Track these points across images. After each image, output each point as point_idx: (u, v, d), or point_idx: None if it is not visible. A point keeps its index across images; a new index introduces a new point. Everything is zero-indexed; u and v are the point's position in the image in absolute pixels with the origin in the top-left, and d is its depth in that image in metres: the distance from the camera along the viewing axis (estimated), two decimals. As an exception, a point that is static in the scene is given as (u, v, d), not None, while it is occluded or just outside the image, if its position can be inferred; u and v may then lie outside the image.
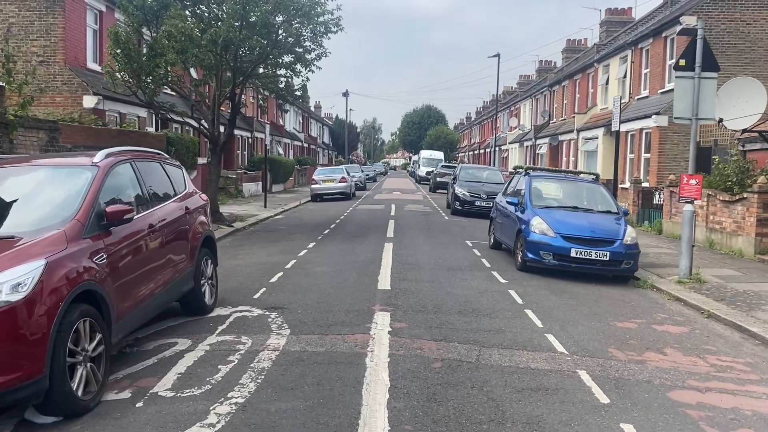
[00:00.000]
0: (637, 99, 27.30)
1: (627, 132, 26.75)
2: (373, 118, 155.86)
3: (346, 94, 69.69)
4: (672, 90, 24.29)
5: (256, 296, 9.01)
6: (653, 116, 23.59)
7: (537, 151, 43.52)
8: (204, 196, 8.64)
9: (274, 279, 10.31)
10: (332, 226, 18.95)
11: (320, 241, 15.38)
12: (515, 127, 51.74)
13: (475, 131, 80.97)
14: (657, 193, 19.83)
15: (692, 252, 11.23)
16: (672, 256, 13.91)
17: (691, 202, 11.18)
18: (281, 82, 18.73)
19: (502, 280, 10.53)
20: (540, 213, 11.61)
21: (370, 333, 7.04)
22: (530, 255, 11.22)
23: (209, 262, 8.19)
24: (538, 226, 11.28)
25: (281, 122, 53.69)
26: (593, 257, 10.87)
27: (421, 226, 19.13)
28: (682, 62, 11.21)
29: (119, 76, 16.25)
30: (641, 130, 25.32)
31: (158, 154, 7.92)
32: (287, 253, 13.32)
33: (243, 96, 19.78)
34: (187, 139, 22.69)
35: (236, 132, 37.96)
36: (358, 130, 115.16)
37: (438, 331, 7.23)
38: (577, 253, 10.88)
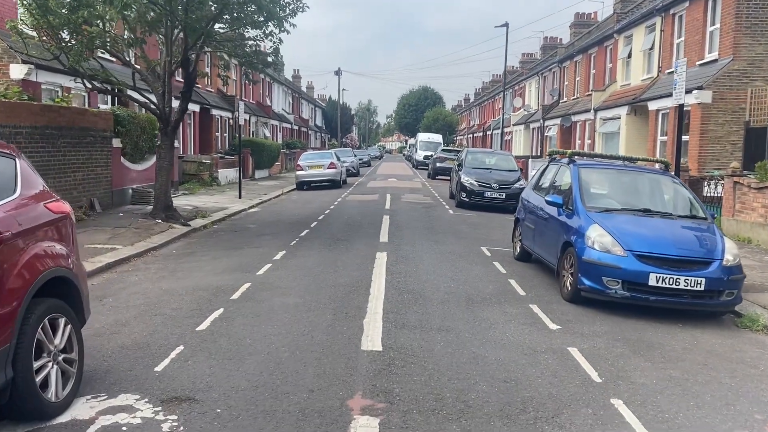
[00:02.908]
0: (668, 73, 23.63)
1: (657, 111, 23.24)
2: (369, 100, 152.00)
3: (338, 73, 65.63)
4: (715, 61, 20.81)
5: (160, 367, 5.47)
6: (694, 91, 19.97)
7: (545, 134, 39.93)
8: (60, 206, 5.03)
9: (206, 324, 6.76)
10: (313, 224, 15.38)
11: (294, 247, 11.83)
12: (520, 108, 48.04)
13: (474, 113, 77.17)
14: (710, 183, 16.30)
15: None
16: (759, 270, 10.42)
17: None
18: (248, 46, 14.99)
19: (552, 325, 6.99)
20: (598, 219, 8.06)
21: (337, 495, 3.52)
22: (587, 282, 7.69)
23: (61, 323, 4.63)
24: (599, 240, 7.74)
25: (268, 102, 49.90)
26: (681, 286, 7.36)
27: (422, 224, 15.58)
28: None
29: (33, 35, 12.58)
30: (676, 108, 21.68)
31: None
32: (244, 269, 9.78)
33: (200, 62, 15.93)
34: (143, 118, 19.02)
35: (216, 112, 34.30)
36: (353, 112, 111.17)
37: (473, 479, 3.71)
38: (658, 281, 7.35)
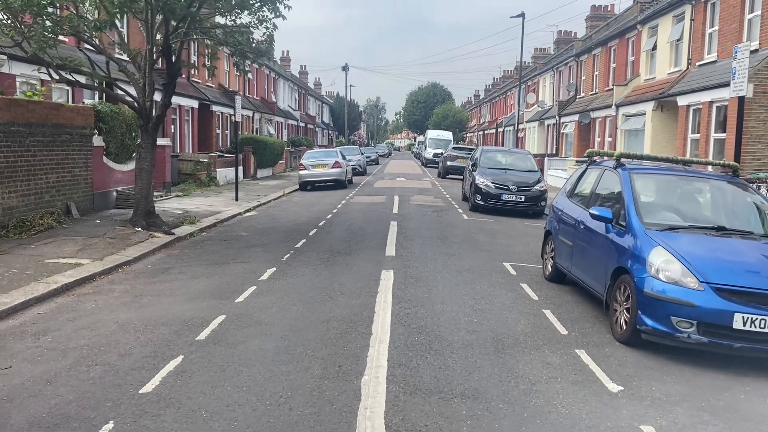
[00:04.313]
0: (699, 65, 21.89)
1: (688, 106, 21.42)
2: (377, 97, 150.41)
3: (345, 68, 63.86)
4: (755, 51, 18.96)
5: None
6: (732, 84, 18.16)
7: (562, 131, 38.12)
8: None
9: (154, 382, 5.13)
10: (312, 232, 13.74)
11: (286, 264, 10.19)
12: (533, 104, 46.25)
13: (485, 109, 75.29)
14: (759, 187, 14.49)
15: None
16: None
17: None
18: (240, 33, 13.30)
19: (612, 385, 5.29)
20: (662, 240, 6.35)
21: None
22: (649, 321, 6.00)
23: None
24: (666, 268, 6.03)
25: (273, 98, 48.32)
26: (775, 330, 5.65)
27: (434, 233, 13.91)
28: None
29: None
30: (711, 103, 19.91)
31: None
32: (222, 293, 8.16)
33: (185, 51, 14.19)
34: (129, 114, 17.39)
35: (216, 108, 32.67)
36: (361, 109, 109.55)
37: None
38: (745, 323, 5.65)
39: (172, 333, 6.48)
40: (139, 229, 12.82)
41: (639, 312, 6.08)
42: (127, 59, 14.14)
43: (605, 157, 8.68)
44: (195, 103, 29.74)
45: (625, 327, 6.35)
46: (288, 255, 10.91)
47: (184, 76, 29.71)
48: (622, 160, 7.86)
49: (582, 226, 7.88)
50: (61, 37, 17.87)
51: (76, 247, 11.17)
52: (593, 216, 7.23)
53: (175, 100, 27.38)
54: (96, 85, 12.50)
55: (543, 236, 9.79)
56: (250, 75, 41.86)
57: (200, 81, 31.67)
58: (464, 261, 10.57)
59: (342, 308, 7.37)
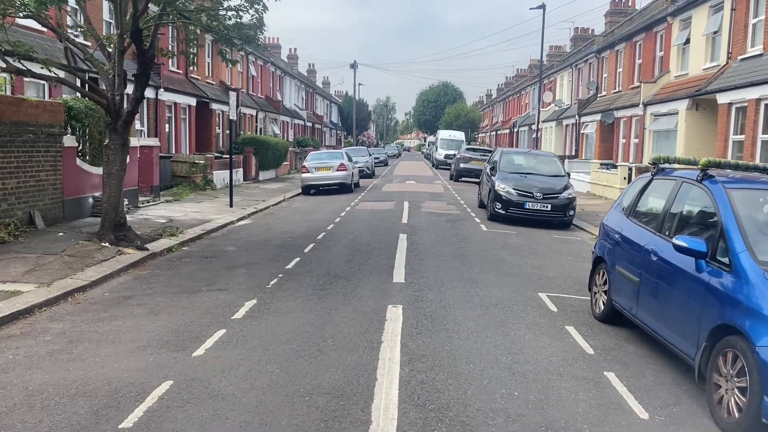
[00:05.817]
0: (742, 59, 19.81)
1: (730, 104, 19.35)
2: (387, 97, 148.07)
3: (354, 66, 61.87)
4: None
5: None
6: (786, 79, 16.13)
7: (582, 131, 36.04)
8: None
9: None
10: (308, 248, 11.83)
11: (270, 293, 8.27)
12: (550, 103, 44.16)
13: (498, 109, 73.21)
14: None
15: None
16: None
17: None
18: (227, 17, 11.40)
19: None
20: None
21: None
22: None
23: None
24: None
25: (279, 97, 46.49)
26: None
27: (450, 249, 11.95)
28: None
29: None
30: (758, 100, 17.82)
31: None
32: (179, 341, 6.26)
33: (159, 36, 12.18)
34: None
35: (216, 107, 30.77)
36: (371, 108, 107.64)
37: None
38: None
39: (89, 413, 4.58)
40: (107, 243, 10.98)
41: (765, 398, 4.11)
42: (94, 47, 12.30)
43: (677, 165, 6.70)
44: (192, 101, 27.92)
45: (737, 414, 4.38)
46: (275, 280, 9.00)
47: (181, 72, 27.97)
48: (710, 172, 5.84)
49: (655, 258, 5.89)
50: (39, 27, 16.25)
51: (24, 268, 9.32)
52: (678, 248, 5.23)
53: (170, 97, 25.63)
54: (53, 75, 10.61)
55: (592, 263, 7.80)
56: (253, 72, 40.12)
57: (199, 77, 29.88)
58: (490, 290, 8.60)
59: (332, 370, 5.42)
